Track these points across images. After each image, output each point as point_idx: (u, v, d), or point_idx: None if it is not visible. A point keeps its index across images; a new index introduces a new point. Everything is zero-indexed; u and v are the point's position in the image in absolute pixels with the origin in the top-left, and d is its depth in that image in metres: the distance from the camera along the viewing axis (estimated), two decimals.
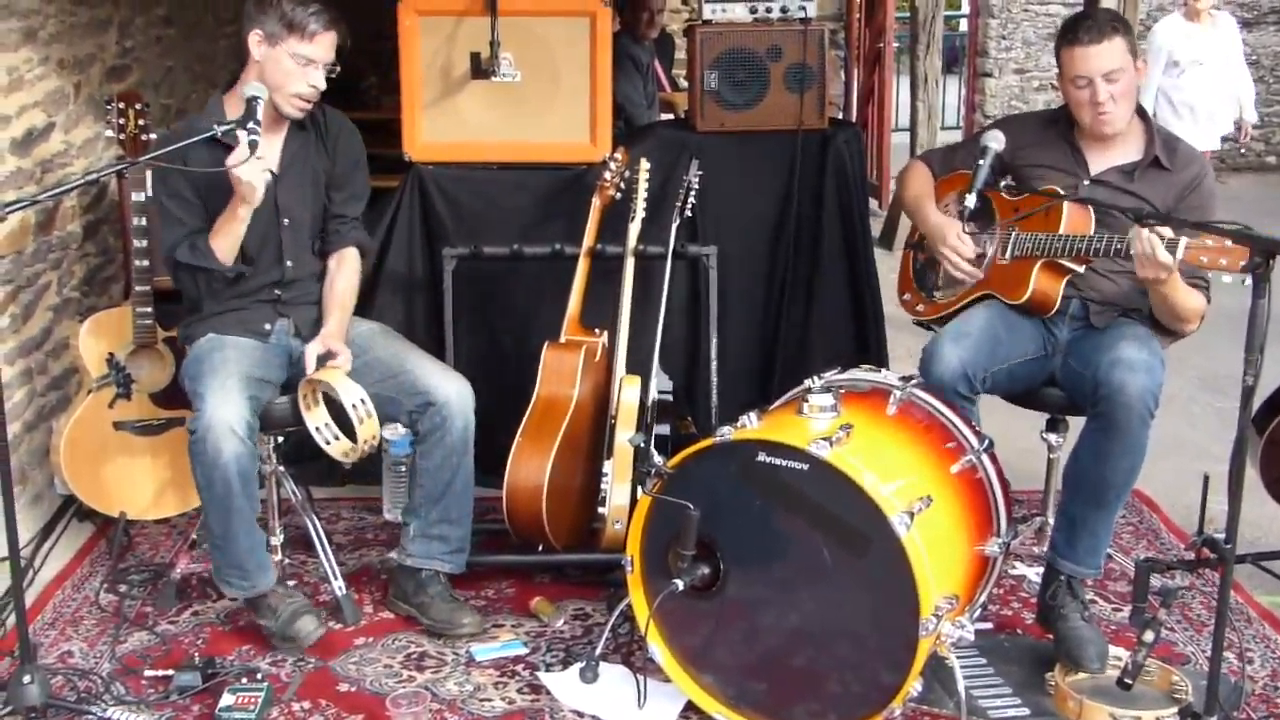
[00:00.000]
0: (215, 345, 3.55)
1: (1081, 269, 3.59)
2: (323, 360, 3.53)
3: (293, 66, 3.48)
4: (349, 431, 3.48)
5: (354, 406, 3.42)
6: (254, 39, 3.48)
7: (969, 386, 3.52)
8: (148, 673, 3.43)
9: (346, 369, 3.52)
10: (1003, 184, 3.56)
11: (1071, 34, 3.56)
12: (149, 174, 4.01)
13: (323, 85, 3.55)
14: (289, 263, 3.66)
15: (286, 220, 3.64)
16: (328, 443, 3.50)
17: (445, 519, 3.68)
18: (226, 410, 3.32)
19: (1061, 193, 3.54)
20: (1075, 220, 3.57)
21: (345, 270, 3.77)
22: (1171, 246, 3.12)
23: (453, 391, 3.60)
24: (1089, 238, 3.49)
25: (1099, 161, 3.65)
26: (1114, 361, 3.36)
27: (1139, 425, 3.31)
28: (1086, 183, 3.63)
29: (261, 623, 3.58)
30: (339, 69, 3.57)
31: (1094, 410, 3.41)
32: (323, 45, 3.51)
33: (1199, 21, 7.84)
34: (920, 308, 3.99)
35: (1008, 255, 3.68)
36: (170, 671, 3.37)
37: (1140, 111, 3.68)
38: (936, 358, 3.53)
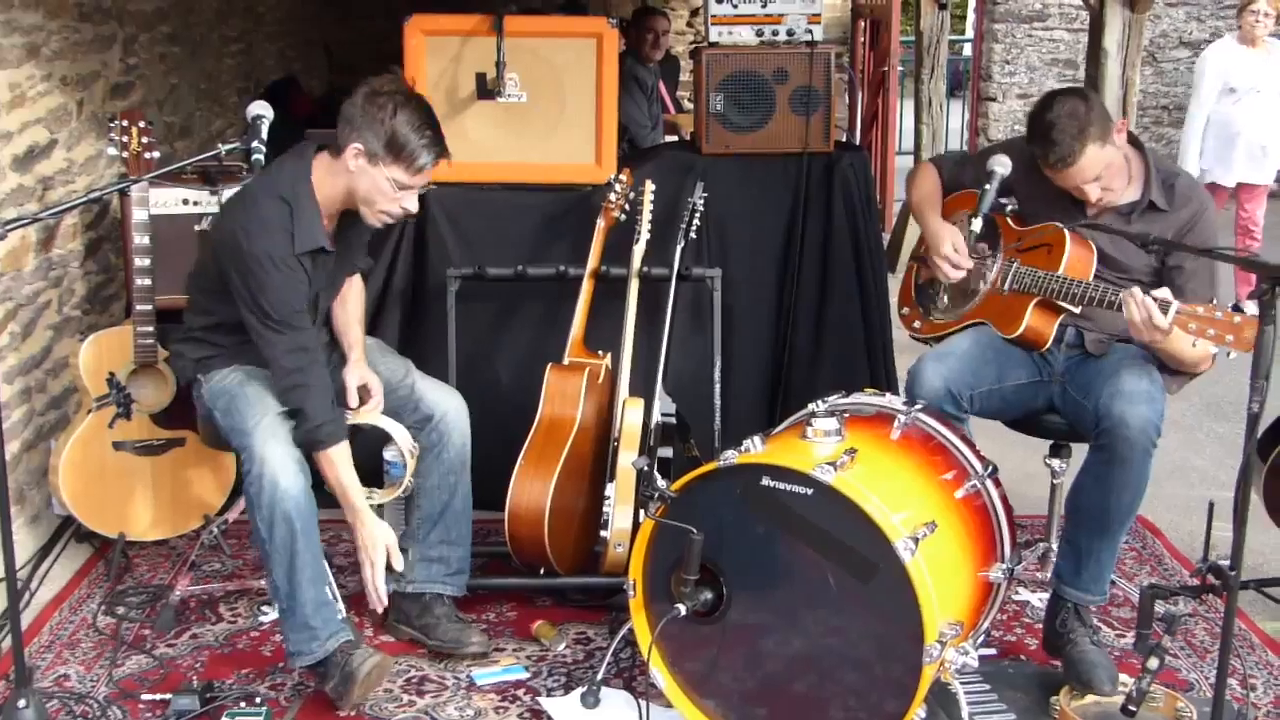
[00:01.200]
0: (243, 379, 3.41)
1: (1077, 310, 3.57)
2: (360, 395, 3.51)
3: (389, 189, 3.28)
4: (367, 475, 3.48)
5: (411, 451, 3.46)
6: (353, 151, 3.24)
7: (955, 405, 3.52)
8: (145, 696, 3.40)
9: (380, 406, 3.49)
10: (1009, 208, 3.55)
11: (1042, 157, 3.50)
12: (150, 197, 4.02)
13: (415, 209, 3.37)
14: (320, 317, 3.58)
15: (331, 289, 3.58)
16: None
17: (445, 539, 3.67)
18: (276, 445, 3.23)
19: (1064, 228, 3.53)
20: (1075, 263, 3.56)
21: (353, 291, 3.73)
22: (1163, 308, 3.12)
23: (451, 407, 3.59)
24: (1085, 284, 3.49)
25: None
26: (1114, 393, 3.34)
27: (1141, 457, 3.30)
28: (1087, 222, 3.61)
29: (327, 687, 3.32)
30: (432, 186, 3.42)
31: (1096, 442, 3.40)
32: (426, 176, 3.32)
33: (1256, 47, 7.43)
34: (917, 324, 4.00)
35: (1005, 287, 3.67)
36: (168, 695, 3.34)
37: (1136, 144, 3.65)
38: (920, 378, 3.56)
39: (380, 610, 3.45)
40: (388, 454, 3.94)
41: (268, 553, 3.27)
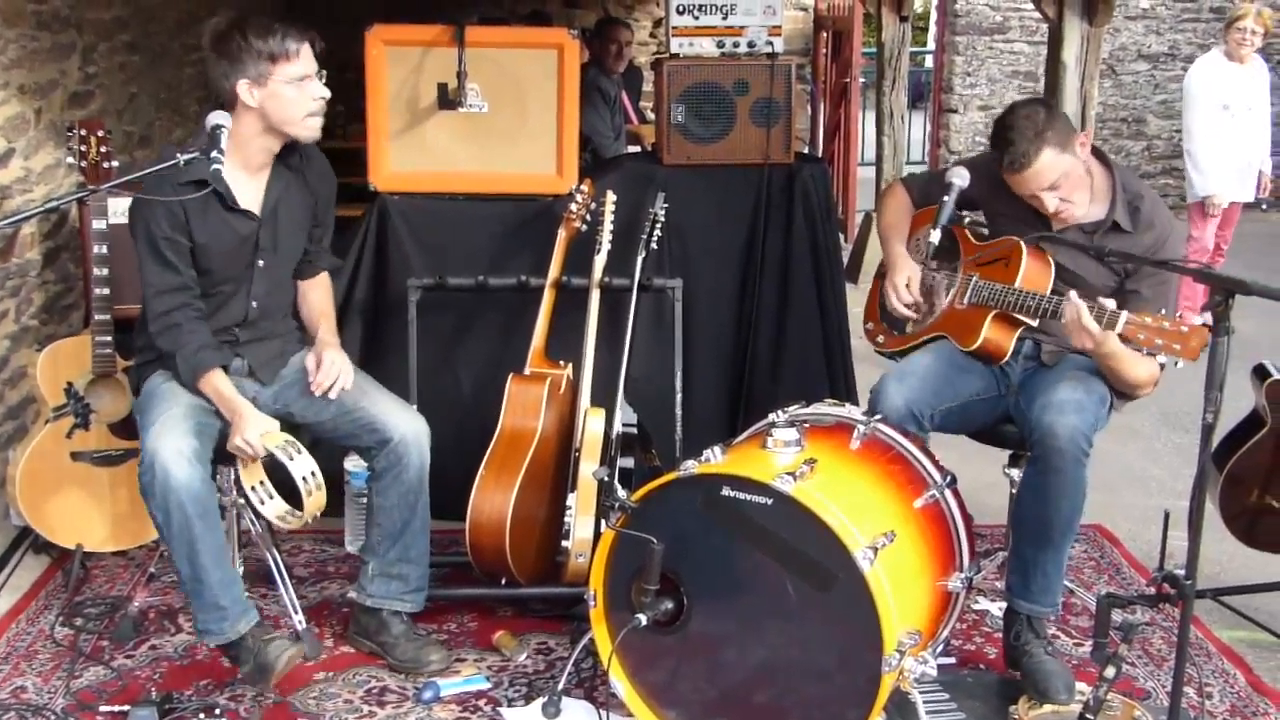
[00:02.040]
0: (164, 379, 3.48)
1: (1035, 323, 3.60)
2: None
3: (292, 92, 3.40)
4: (290, 492, 3.45)
5: (304, 480, 3.37)
6: (243, 88, 3.36)
7: (917, 425, 3.54)
8: (103, 708, 3.37)
9: (346, 383, 3.51)
10: (967, 220, 3.57)
11: (999, 160, 3.51)
12: (109, 206, 4.00)
13: (327, 93, 3.49)
14: (254, 303, 3.60)
15: (261, 262, 3.58)
16: (261, 502, 3.43)
17: (404, 558, 3.65)
18: (169, 438, 3.26)
19: (1022, 243, 3.55)
20: (1032, 276, 3.57)
21: (319, 288, 3.77)
22: (1111, 322, 3.14)
23: (409, 430, 3.55)
24: (1040, 296, 3.50)
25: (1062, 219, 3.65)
26: (1045, 404, 3.38)
27: (1073, 466, 3.32)
28: (1048, 235, 3.62)
29: (240, 671, 3.43)
30: (325, 74, 3.50)
31: (1031, 454, 3.44)
32: (306, 57, 3.43)
33: (1244, 64, 7.24)
34: (881, 339, 4.02)
35: (965, 301, 3.70)
36: (126, 707, 3.31)
37: (1104, 160, 3.66)
38: (882, 398, 3.57)
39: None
40: (347, 463, 3.92)
41: (167, 539, 3.30)
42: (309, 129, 3.48)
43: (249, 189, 3.49)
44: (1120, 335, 3.15)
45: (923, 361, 3.67)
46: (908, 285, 3.85)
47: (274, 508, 3.44)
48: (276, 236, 3.59)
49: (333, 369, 3.53)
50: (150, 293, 3.42)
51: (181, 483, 3.22)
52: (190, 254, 3.44)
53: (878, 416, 3.37)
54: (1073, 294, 3.21)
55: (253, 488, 3.43)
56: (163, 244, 3.39)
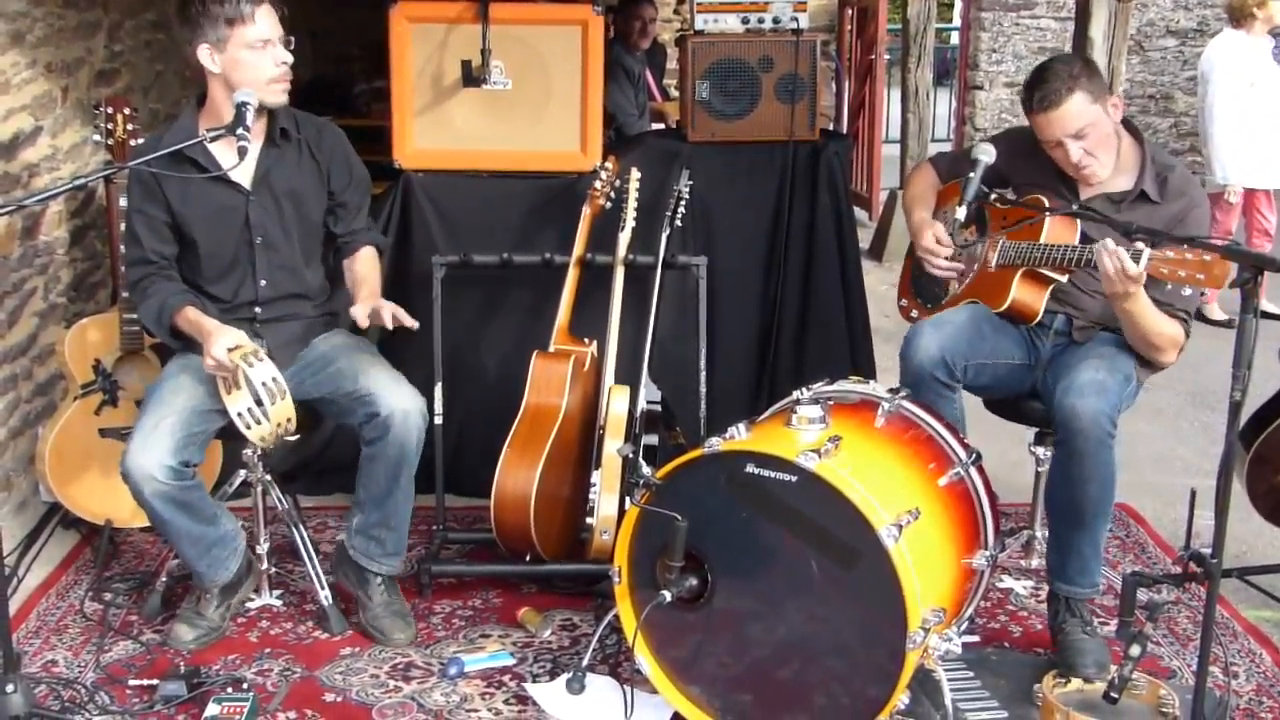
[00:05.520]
0: (178, 369, 3.53)
1: (1064, 279, 3.59)
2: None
3: (252, 57, 3.38)
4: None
5: (264, 385, 3.37)
6: (204, 53, 3.39)
7: (948, 373, 3.52)
8: (132, 682, 3.41)
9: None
10: (993, 195, 3.56)
11: (1028, 100, 3.51)
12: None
13: (289, 58, 3.47)
14: (262, 281, 3.61)
15: (259, 239, 3.58)
16: (248, 427, 3.43)
17: (383, 524, 3.65)
18: (145, 457, 3.32)
19: (1047, 204, 3.54)
20: (1057, 230, 3.56)
21: (362, 260, 3.76)
22: (1135, 257, 3.12)
23: (398, 406, 3.47)
24: (1065, 247, 3.49)
25: (1089, 188, 3.63)
26: (1067, 387, 3.36)
27: (1098, 448, 3.30)
28: (1075, 208, 3.61)
29: (185, 607, 3.67)
30: (294, 40, 3.50)
31: (1056, 437, 3.43)
32: (267, 20, 3.41)
33: (1261, 37, 7.05)
34: (915, 314, 4.01)
35: (994, 263, 3.69)
36: (155, 681, 3.35)
37: (1135, 133, 3.65)
38: (916, 343, 3.56)
39: None
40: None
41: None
42: (273, 94, 3.46)
43: (233, 161, 3.42)
44: (1147, 271, 3.13)
45: (959, 316, 3.65)
46: (936, 239, 3.82)
47: (258, 431, 3.44)
48: (271, 211, 3.58)
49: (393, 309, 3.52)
50: (127, 264, 3.63)
51: (149, 499, 3.37)
52: (171, 229, 3.53)
53: (903, 393, 3.36)
54: (1108, 241, 3.18)
55: (239, 414, 3.41)
56: (134, 217, 3.55)
